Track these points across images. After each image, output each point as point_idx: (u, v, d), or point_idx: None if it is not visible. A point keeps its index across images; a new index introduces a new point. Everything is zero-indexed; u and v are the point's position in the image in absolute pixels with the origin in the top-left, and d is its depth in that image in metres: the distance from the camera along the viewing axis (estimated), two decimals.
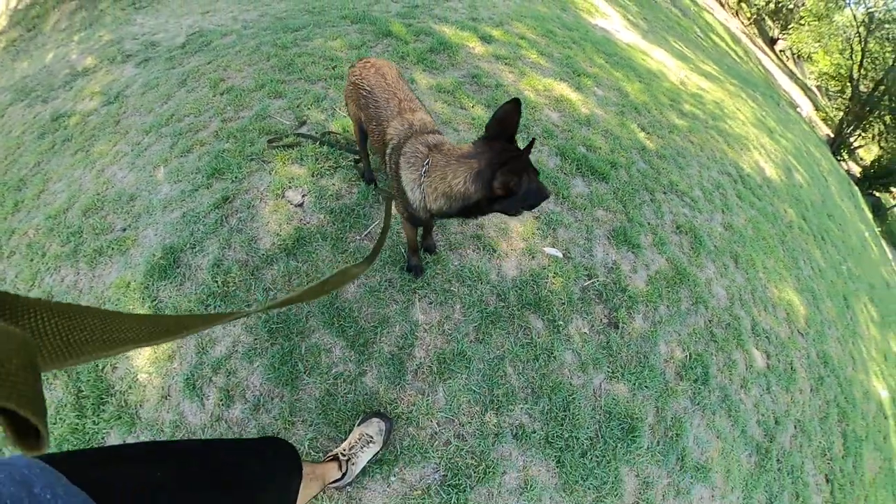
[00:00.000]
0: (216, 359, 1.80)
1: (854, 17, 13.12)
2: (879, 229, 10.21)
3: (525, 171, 1.17)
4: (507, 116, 1.19)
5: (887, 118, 13.20)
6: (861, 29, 12.89)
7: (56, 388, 1.91)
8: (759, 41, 15.48)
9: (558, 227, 2.23)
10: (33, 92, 4.19)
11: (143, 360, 1.87)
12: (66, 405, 1.82)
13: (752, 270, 3.17)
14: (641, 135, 3.52)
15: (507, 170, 1.14)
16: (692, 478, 1.91)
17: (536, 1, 6.11)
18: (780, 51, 17.37)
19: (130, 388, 1.84)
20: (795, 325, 3.13)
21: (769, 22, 17.07)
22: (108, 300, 2.06)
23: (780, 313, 3.11)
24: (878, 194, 14.12)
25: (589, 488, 1.64)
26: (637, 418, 1.82)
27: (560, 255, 2.07)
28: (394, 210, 1.61)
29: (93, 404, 1.81)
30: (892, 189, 14.58)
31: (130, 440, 1.71)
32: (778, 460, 2.33)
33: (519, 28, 4.43)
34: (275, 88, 2.98)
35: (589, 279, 2.11)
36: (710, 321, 2.52)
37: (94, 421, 1.78)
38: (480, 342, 1.76)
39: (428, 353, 1.72)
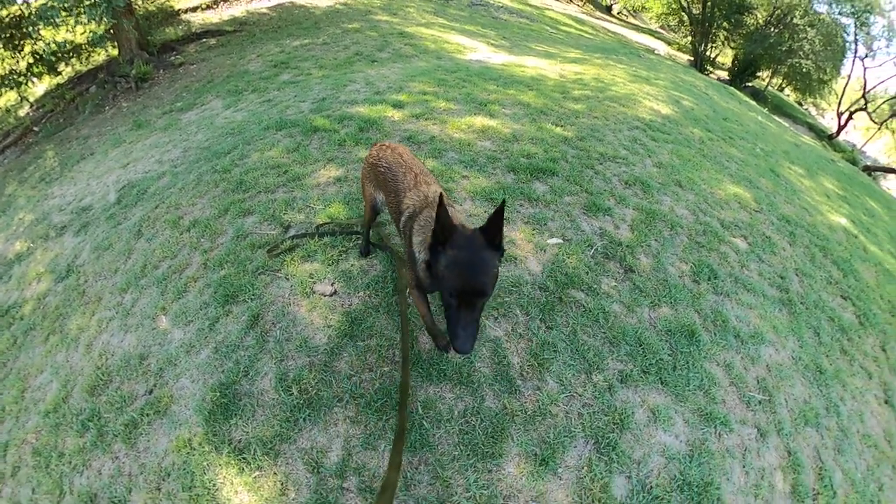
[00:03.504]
0: (336, 465, 1.77)
1: None
2: (766, 110, 11.84)
3: (450, 240, 1.30)
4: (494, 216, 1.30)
5: (724, 24, 15.77)
6: None
7: None
8: (598, 14, 18.12)
9: (546, 222, 2.78)
10: None
11: None
12: None
13: (696, 186, 3.86)
14: (558, 129, 4.23)
15: (434, 231, 1.31)
16: (754, 345, 2.41)
17: (415, 60, 7.08)
18: (618, 13, 20.35)
19: None
20: (749, 207, 3.82)
21: None
22: (171, 469, 1.91)
23: (734, 205, 3.79)
24: (751, 84, 16.33)
25: (695, 390, 2.08)
26: (689, 325, 2.32)
27: (561, 240, 2.59)
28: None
29: None
30: (759, 74, 16.90)
31: None
32: (801, 303, 2.89)
33: (417, 86, 5.17)
34: (240, 208, 3.08)
35: (591, 248, 2.63)
36: (690, 235, 3.12)
37: None
38: (551, 328, 2.17)
39: (521, 356, 2.06)
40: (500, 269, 1.38)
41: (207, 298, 2.50)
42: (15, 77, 7.69)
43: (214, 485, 1.83)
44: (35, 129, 7.85)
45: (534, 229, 2.68)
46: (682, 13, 16.76)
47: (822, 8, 15.83)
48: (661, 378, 2.06)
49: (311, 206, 3.01)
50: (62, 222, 4.18)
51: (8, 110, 8.34)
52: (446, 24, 9.16)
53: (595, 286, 2.36)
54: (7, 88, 7.80)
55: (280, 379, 2.01)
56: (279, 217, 2.94)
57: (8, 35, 7.55)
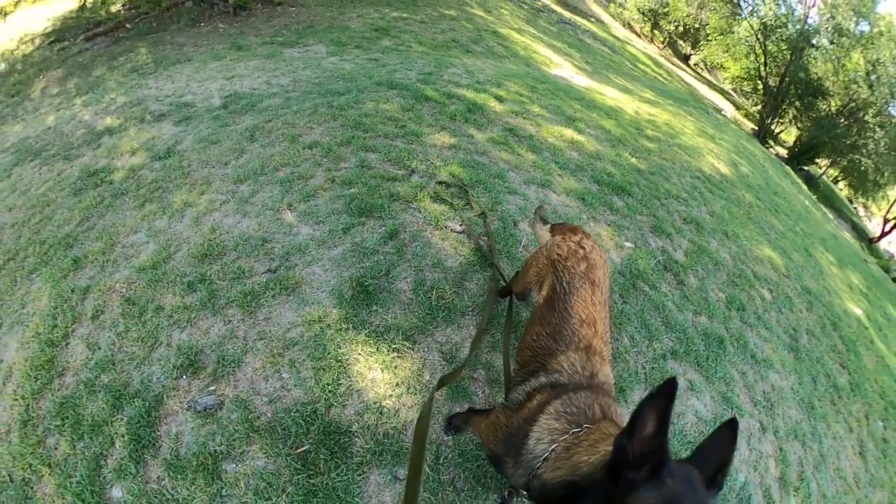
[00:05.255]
0: (467, 358, 2.11)
1: (751, 27, 16.64)
2: (815, 196, 12.61)
3: (658, 470, 0.88)
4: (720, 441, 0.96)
5: (797, 103, 16.65)
6: (759, 35, 16.44)
7: (257, 454, 1.93)
8: (675, 60, 19.07)
9: (622, 229, 3.55)
10: (44, 151, 4.32)
11: (380, 388, 2.09)
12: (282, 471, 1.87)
13: (739, 240, 4.61)
14: (633, 160, 4.99)
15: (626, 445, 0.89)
16: (764, 368, 3.17)
17: (506, 61, 7.86)
18: (695, 64, 21.33)
19: (379, 421, 1.99)
20: (779, 270, 4.58)
21: (680, 42, 20.98)
22: (297, 341, 2.23)
23: (766, 265, 4.55)
24: (807, 168, 17.14)
25: (719, 380, 2.86)
26: (720, 335, 3.09)
27: (633, 246, 3.35)
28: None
29: (332, 453, 1.90)
30: (817, 161, 17.70)
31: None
32: (806, 354, 3.65)
33: (512, 86, 5.90)
34: (362, 143, 3.59)
35: (654, 258, 3.40)
36: (728, 274, 3.88)
37: (344, 468, 1.87)
38: (626, 303, 2.93)
39: None
40: None
41: (339, 207, 2.95)
42: None
43: (347, 360, 2.16)
44: (127, 25, 8.59)
45: (614, 231, 3.45)
46: (759, 81, 17.58)
47: None
48: (697, 362, 2.83)
49: (431, 160, 3.61)
50: (159, 110, 4.67)
51: (103, 2, 9.00)
52: (535, 35, 9.97)
53: (657, 285, 3.13)
54: None
55: (418, 284, 2.54)
56: (402, 161, 3.50)
57: None
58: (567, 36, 11.15)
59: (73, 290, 2.65)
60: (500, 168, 3.77)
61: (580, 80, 8.03)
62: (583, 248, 1.71)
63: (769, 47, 16.96)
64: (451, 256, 2.78)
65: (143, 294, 2.53)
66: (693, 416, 2.58)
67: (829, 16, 15.85)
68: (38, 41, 8.87)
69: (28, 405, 2.23)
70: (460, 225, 2.99)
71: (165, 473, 1.91)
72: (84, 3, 8.63)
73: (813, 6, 16.48)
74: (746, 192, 6.27)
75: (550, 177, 3.82)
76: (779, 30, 16.60)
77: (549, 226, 2.32)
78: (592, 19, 15.18)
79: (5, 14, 8.72)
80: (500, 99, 5.23)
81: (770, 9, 16.54)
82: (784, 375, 3.32)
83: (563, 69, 8.46)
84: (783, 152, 17.43)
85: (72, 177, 3.74)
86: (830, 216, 13.70)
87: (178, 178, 3.42)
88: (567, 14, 13.21)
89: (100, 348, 2.35)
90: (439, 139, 4.02)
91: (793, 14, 16.73)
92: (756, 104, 18.57)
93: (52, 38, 8.72)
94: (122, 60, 7.37)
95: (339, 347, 2.21)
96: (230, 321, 2.35)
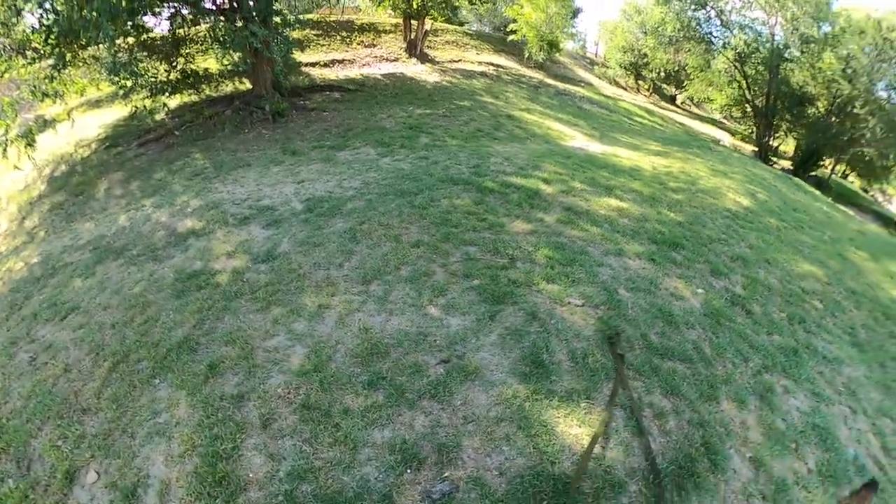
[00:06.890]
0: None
1: (727, 58, 18.52)
2: (830, 199, 13.53)
3: None
4: None
5: (787, 115, 18.13)
6: (736, 64, 18.20)
7: None
8: (664, 103, 21.01)
9: (691, 279, 4.59)
10: (126, 251, 4.45)
11: (584, 440, 2.53)
12: None
13: (779, 263, 5.58)
14: (672, 214, 6.09)
15: None
16: (836, 364, 4.06)
17: (528, 142, 9.20)
18: (682, 102, 23.31)
19: (595, 463, 2.45)
20: (821, 281, 5.53)
21: (664, 86, 23.16)
22: (502, 417, 2.59)
23: (809, 279, 5.49)
24: (814, 174, 18.20)
25: (805, 381, 3.71)
26: (793, 346, 4.01)
27: (703, 291, 4.38)
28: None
29: None
30: (822, 164, 18.79)
31: None
32: (868, 346, 4.57)
33: (549, 167, 7.01)
34: (459, 239, 4.24)
35: (723, 297, 4.38)
36: (781, 296, 4.84)
37: None
38: (718, 336, 3.79)
39: (709, 348, 3.70)
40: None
41: (474, 298, 3.48)
42: (163, 86, 9.48)
43: (550, 423, 2.60)
44: (176, 132, 9.41)
45: (686, 282, 4.48)
46: (746, 105, 19.14)
47: (883, 93, 17.52)
48: (785, 371, 3.70)
49: (523, 247, 4.49)
50: (241, 214, 5.02)
51: (150, 111, 9.33)
52: (543, 112, 11.61)
53: (733, 318, 4.11)
54: (155, 94, 9.30)
55: (572, 354, 3.15)
56: (500, 251, 4.25)
57: (167, 51, 9.74)
58: (568, 106, 12.85)
59: (221, 398, 2.68)
60: (580, 245, 4.81)
61: (595, 148, 9.35)
62: None
63: (748, 72, 18.68)
64: (584, 326, 3.56)
65: (319, 398, 2.66)
66: (796, 412, 3.42)
67: (792, 28, 17.54)
68: (94, 146, 9.57)
69: None
70: (580, 299, 3.95)
71: None
72: (135, 112, 9.29)
73: (775, 25, 18.34)
74: (771, 218, 7.27)
75: (620, 245, 4.90)
76: (753, 55, 18.37)
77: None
78: (582, 84, 17.20)
79: (73, 120, 9.29)
80: (546, 181, 6.28)
81: (740, 38, 18.41)
82: (854, 367, 4.16)
83: (577, 140, 9.86)
84: (788, 164, 18.62)
85: (167, 278, 3.87)
86: (851, 213, 14.53)
87: (295, 281, 3.68)
88: (561, 85, 15.14)
89: (285, 458, 2.38)
90: (518, 226, 4.96)
91: (760, 36, 18.59)
92: (749, 127, 20.06)
93: (107, 144, 9.53)
94: (179, 164, 7.97)
95: (540, 415, 2.67)
96: (430, 412, 2.63)
